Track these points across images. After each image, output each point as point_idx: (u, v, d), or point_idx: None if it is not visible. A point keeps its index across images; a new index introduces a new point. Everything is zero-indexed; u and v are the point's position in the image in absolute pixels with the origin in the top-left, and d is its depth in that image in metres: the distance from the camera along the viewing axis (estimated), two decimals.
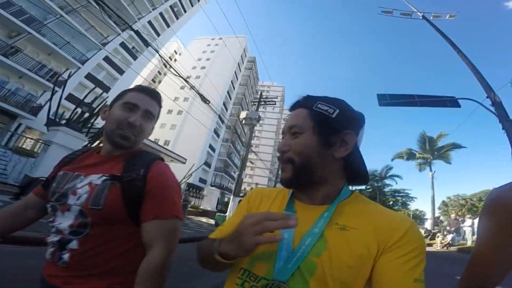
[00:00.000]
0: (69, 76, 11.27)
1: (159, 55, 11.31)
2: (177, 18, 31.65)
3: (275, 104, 19.11)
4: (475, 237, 10.25)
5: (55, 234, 0.82)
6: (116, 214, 0.81)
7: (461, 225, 13.54)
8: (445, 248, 12.22)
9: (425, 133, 27.50)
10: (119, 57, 23.60)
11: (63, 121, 8.96)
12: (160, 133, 35.21)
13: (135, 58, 26.12)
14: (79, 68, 20.23)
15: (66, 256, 0.78)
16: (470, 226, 12.94)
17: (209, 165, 38.31)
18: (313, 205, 0.68)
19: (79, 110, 9.31)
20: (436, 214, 26.86)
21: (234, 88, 46.63)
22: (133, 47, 25.43)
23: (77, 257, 0.78)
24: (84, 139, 8.50)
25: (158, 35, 27.93)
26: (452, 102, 9.84)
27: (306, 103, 0.72)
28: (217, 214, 13.50)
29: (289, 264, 0.57)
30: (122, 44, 23.89)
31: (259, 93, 19.11)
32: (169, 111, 37.06)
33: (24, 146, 12.26)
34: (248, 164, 17.69)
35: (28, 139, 12.96)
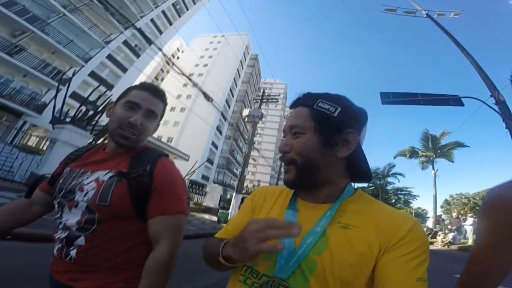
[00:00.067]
0: (73, 75, 11.37)
1: (163, 53, 11.37)
2: (180, 16, 31.58)
3: (277, 101, 19.09)
4: None
5: (63, 230, 0.82)
6: (123, 210, 0.82)
7: (463, 223, 13.54)
8: (446, 246, 12.24)
9: (428, 131, 27.35)
10: (122, 55, 23.75)
11: (68, 119, 9.05)
12: (163, 130, 35.30)
13: (138, 56, 26.20)
14: (83, 66, 20.34)
15: (73, 252, 0.79)
16: (471, 225, 12.93)
17: (211, 162, 38.39)
18: (316, 203, 0.68)
19: (83, 108, 9.40)
20: (438, 213, 26.79)
21: (236, 85, 46.54)
22: (136, 45, 25.51)
23: (84, 253, 0.78)
24: (89, 136, 8.56)
25: (161, 33, 27.94)
26: (455, 101, 9.76)
27: (306, 101, 0.71)
28: (219, 211, 13.56)
29: (290, 262, 0.58)
30: (125, 42, 24.03)
31: (262, 90, 19.11)
32: (172, 109, 37.15)
33: (29, 144, 12.40)
34: (250, 161, 17.76)
35: (33, 137, 13.08)
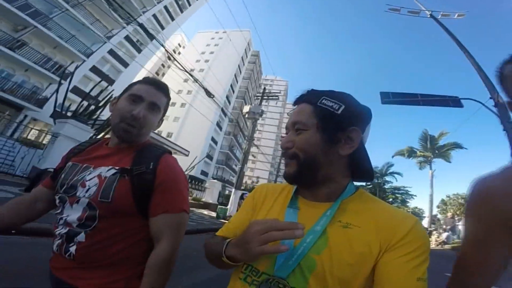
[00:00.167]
0: (75, 69, 11.37)
1: (165, 49, 11.37)
2: (182, 12, 31.46)
3: (278, 99, 19.11)
4: None
5: (63, 226, 0.81)
6: (125, 207, 0.81)
7: (457, 223, 13.64)
8: (440, 246, 12.34)
9: (428, 131, 27.50)
10: (124, 50, 23.66)
11: (69, 114, 9.09)
12: (163, 125, 34.96)
13: (139, 51, 26.15)
14: (84, 61, 20.33)
15: (73, 248, 0.78)
16: None
17: (211, 158, 38.49)
18: (317, 202, 0.67)
19: (85, 103, 9.44)
20: (435, 213, 27.02)
21: (237, 81, 46.46)
22: (138, 40, 25.42)
23: (84, 250, 0.77)
24: (91, 131, 8.59)
25: (163, 28, 27.84)
26: (455, 102, 9.80)
27: (310, 98, 0.70)
28: (218, 206, 13.64)
29: (290, 261, 0.58)
30: (127, 37, 23.95)
31: (263, 87, 19.12)
32: (172, 104, 37.10)
33: (29, 137, 12.45)
34: (250, 157, 17.82)
35: (33, 130, 13.11)
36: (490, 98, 8.72)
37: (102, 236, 0.79)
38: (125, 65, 25.03)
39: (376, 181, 34.52)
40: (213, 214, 13.80)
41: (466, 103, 9.72)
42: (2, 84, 15.90)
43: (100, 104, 9.83)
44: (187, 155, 16.48)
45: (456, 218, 14.31)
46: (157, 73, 44.50)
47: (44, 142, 12.07)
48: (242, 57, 46.95)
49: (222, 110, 17.44)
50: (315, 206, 0.67)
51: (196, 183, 17.44)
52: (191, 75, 11.83)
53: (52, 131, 8.36)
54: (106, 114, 9.98)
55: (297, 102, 0.74)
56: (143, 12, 24.55)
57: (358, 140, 0.65)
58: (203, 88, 12.75)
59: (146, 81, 0.97)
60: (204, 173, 35.45)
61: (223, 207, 13.54)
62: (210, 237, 0.79)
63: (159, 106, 0.96)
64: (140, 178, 0.83)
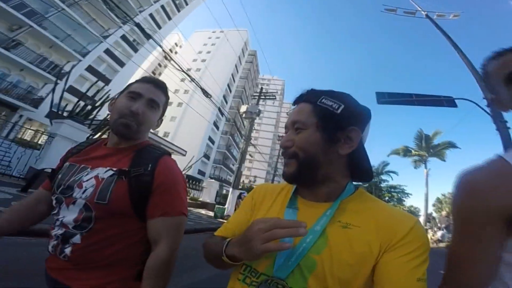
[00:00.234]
0: (71, 69, 11.32)
1: (162, 49, 11.34)
2: (179, 11, 31.41)
3: (275, 98, 19.14)
4: None
5: (60, 227, 0.80)
6: (121, 208, 0.80)
7: (452, 222, 13.83)
8: (435, 244, 12.48)
9: (423, 131, 27.81)
10: (120, 50, 23.59)
11: (65, 114, 9.04)
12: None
13: (136, 50, 26.05)
14: (80, 60, 20.22)
15: (68, 250, 0.77)
16: None
17: (208, 157, 38.43)
18: (316, 202, 0.67)
19: (81, 103, 9.39)
20: (430, 211, 27.32)
21: (234, 81, 46.42)
22: (134, 40, 25.32)
23: (79, 252, 0.77)
24: (87, 131, 8.55)
25: (160, 27, 27.77)
26: (449, 102, 9.88)
27: (310, 97, 0.70)
28: (216, 206, 13.65)
29: (289, 261, 0.57)
30: (123, 37, 23.87)
31: (260, 87, 19.15)
32: (169, 103, 36.03)
33: (25, 138, 12.36)
34: (247, 157, 17.84)
35: (28, 130, 13.01)
36: (484, 98, 8.85)
37: (98, 237, 0.78)
38: (122, 64, 24.93)
39: (372, 180, 34.78)
40: (211, 213, 13.81)
41: (461, 103, 9.84)
42: None
43: (97, 104, 9.78)
44: (184, 155, 16.48)
45: (451, 217, 14.48)
46: (153, 73, 44.31)
47: (39, 142, 12.01)
48: (239, 57, 46.89)
49: (219, 109, 17.40)
50: (314, 206, 0.67)
51: (194, 182, 17.44)
52: (188, 75, 11.81)
53: (48, 131, 8.31)
54: (102, 114, 9.98)
55: (296, 101, 0.74)
56: (140, 12, 24.48)
57: (358, 140, 0.65)
58: (200, 87, 12.75)
59: (145, 79, 0.98)
60: (201, 172, 35.41)
61: (221, 206, 13.56)
62: (209, 237, 0.78)
63: (158, 103, 0.96)
64: (138, 180, 0.82)
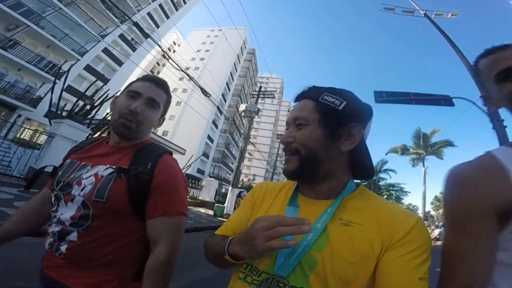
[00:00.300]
0: (69, 69, 11.29)
1: (161, 48, 11.33)
2: (177, 10, 31.28)
3: (274, 97, 19.13)
4: None
5: (57, 224, 0.80)
6: (119, 207, 0.79)
7: None
8: (433, 242, 12.60)
9: (421, 129, 27.99)
10: (118, 49, 23.48)
11: (64, 113, 9.05)
12: None
13: (134, 49, 26.01)
14: (78, 60, 20.15)
15: (63, 247, 0.77)
16: None
17: (207, 156, 38.44)
18: (317, 199, 0.67)
19: (80, 102, 9.38)
20: (428, 209, 27.49)
21: (233, 79, 46.38)
22: (132, 39, 25.24)
23: (75, 249, 0.76)
24: (87, 130, 8.58)
25: (158, 26, 27.68)
26: (446, 101, 9.91)
27: (311, 94, 0.69)
28: (215, 205, 13.68)
29: (290, 259, 0.57)
30: (121, 36, 23.74)
31: (259, 86, 19.12)
32: None
33: (24, 137, 12.34)
34: (246, 155, 17.86)
35: (27, 130, 12.99)
36: (481, 97, 8.85)
37: (96, 235, 0.78)
38: (120, 63, 24.87)
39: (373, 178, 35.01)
40: (210, 212, 13.85)
41: (458, 101, 9.88)
42: None
43: (96, 104, 9.78)
44: (183, 154, 16.48)
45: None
46: (152, 72, 44.14)
47: (38, 142, 11.99)
48: (237, 55, 46.77)
49: (218, 108, 17.41)
50: (315, 203, 0.66)
51: (193, 181, 17.49)
52: (186, 74, 11.82)
53: (48, 131, 8.32)
54: (101, 113, 10.00)
55: (298, 98, 0.74)
56: (138, 11, 24.39)
57: (359, 136, 0.65)
58: (199, 86, 12.76)
59: (145, 78, 0.97)
60: (200, 171, 35.41)
61: (220, 205, 13.60)
62: (210, 236, 0.78)
63: (158, 102, 0.94)
64: (137, 178, 0.81)
